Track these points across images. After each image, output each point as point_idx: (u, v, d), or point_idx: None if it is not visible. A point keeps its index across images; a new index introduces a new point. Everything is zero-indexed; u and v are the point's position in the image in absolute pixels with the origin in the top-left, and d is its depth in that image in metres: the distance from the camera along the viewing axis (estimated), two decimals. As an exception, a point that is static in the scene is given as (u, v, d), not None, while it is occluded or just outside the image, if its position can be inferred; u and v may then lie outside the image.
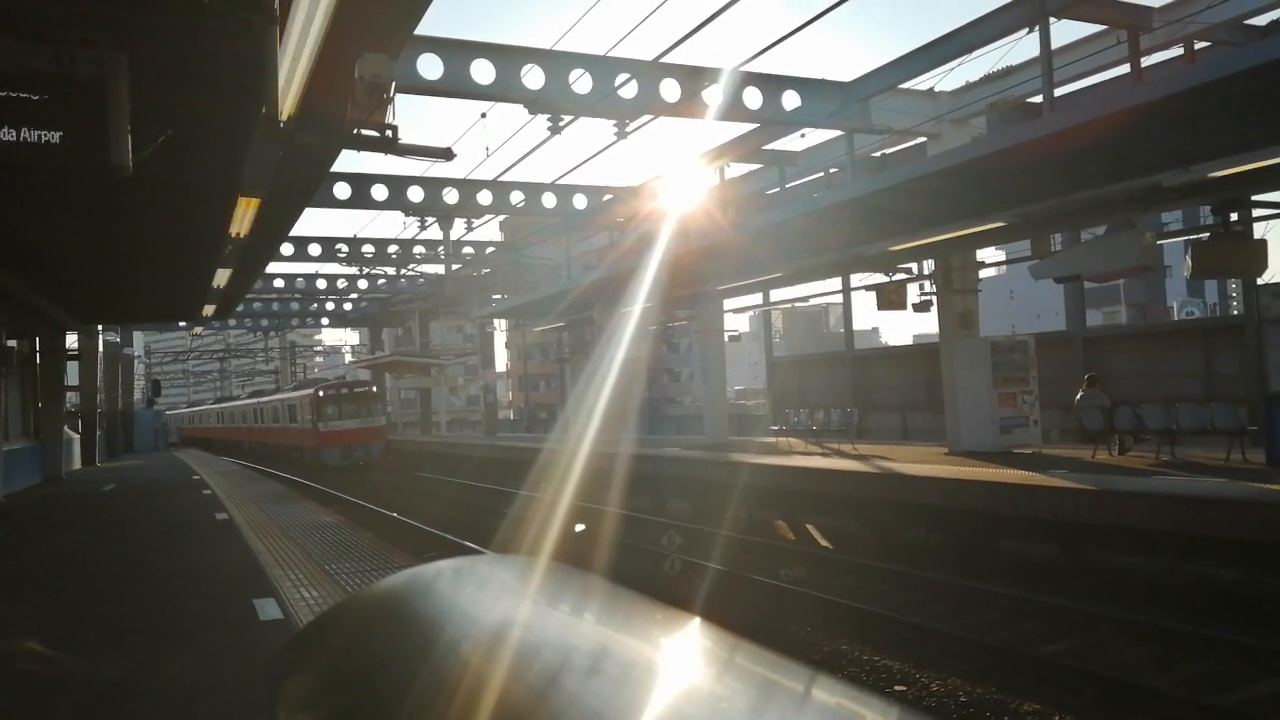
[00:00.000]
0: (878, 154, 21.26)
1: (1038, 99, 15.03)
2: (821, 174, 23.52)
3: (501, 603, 1.24)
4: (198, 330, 53.02)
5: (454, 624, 1.18)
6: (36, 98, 6.62)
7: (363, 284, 43.81)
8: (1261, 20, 15.00)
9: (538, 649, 1.13)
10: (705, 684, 1.07)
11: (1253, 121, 10.75)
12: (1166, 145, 11.78)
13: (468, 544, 16.40)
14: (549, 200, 27.55)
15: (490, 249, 41.18)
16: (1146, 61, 15.11)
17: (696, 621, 1.23)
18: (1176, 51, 15.74)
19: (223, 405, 67.45)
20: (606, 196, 28.10)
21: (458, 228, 31.82)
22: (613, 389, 21.75)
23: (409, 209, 27.16)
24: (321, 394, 40.19)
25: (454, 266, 38.79)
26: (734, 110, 16.36)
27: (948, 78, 55.47)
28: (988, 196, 14.34)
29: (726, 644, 1.15)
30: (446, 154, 8.53)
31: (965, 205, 14.88)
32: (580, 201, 27.93)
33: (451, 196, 26.22)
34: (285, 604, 9.38)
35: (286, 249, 33.12)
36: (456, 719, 1.02)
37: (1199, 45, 15.15)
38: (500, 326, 50.83)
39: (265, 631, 8.37)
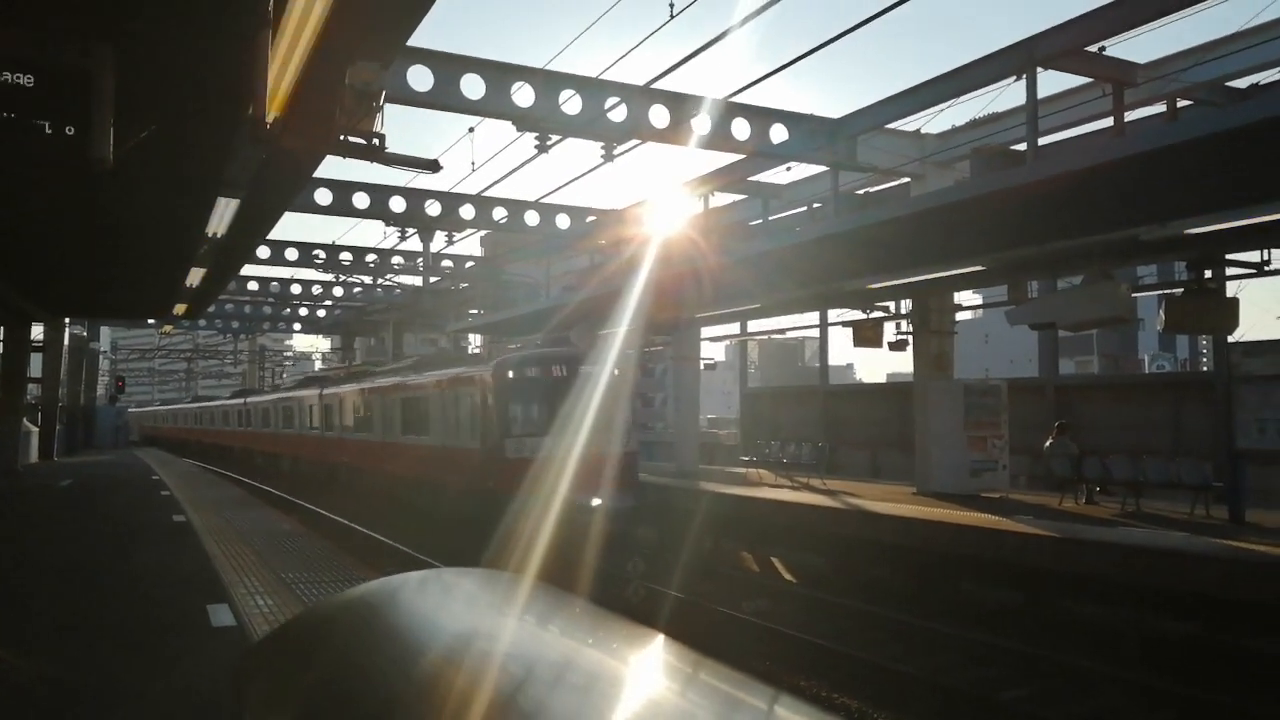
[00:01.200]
0: (861, 191, 21.49)
1: (1022, 146, 15.27)
2: (805, 208, 23.73)
3: (465, 615, 1.25)
4: (167, 328, 52.43)
5: (416, 635, 1.20)
6: (21, 84, 6.60)
7: (338, 291, 43.59)
8: (1242, 83, 15.35)
9: (500, 661, 1.15)
10: (666, 697, 1.09)
11: (1212, 185, 11.02)
12: (1141, 200, 12.02)
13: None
14: (532, 218, 27.60)
15: (470, 264, 41.17)
16: (1131, 116, 15.42)
17: (659, 637, 1.25)
18: (1161, 108, 16.08)
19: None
20: (590, 218, 28.20)
21: (438, 240, 31.80)
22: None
23: (390, 218, 27.07)
24: (513, 373, 19.27)
25: (432, 279, 38.70)
26: (721, 140, 16.52)
27: (934, 120, 56.21)
28: (967, 240, 14.53)
29: (688, 659, 1.17)
30: (433, 166, 8.57)
31: (944, 248, 15.07)
32: (563, 221, 28.00)
33: (434, 209, 26.20)
34: (239, 611, 9.29)
35: (263, 252, 32.91)
36: None
37: (1182, 103, 15.47)
38: (475, 341, 50.73)
39: (217, 638, 8.28)
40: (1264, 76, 15.17)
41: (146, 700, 6.54)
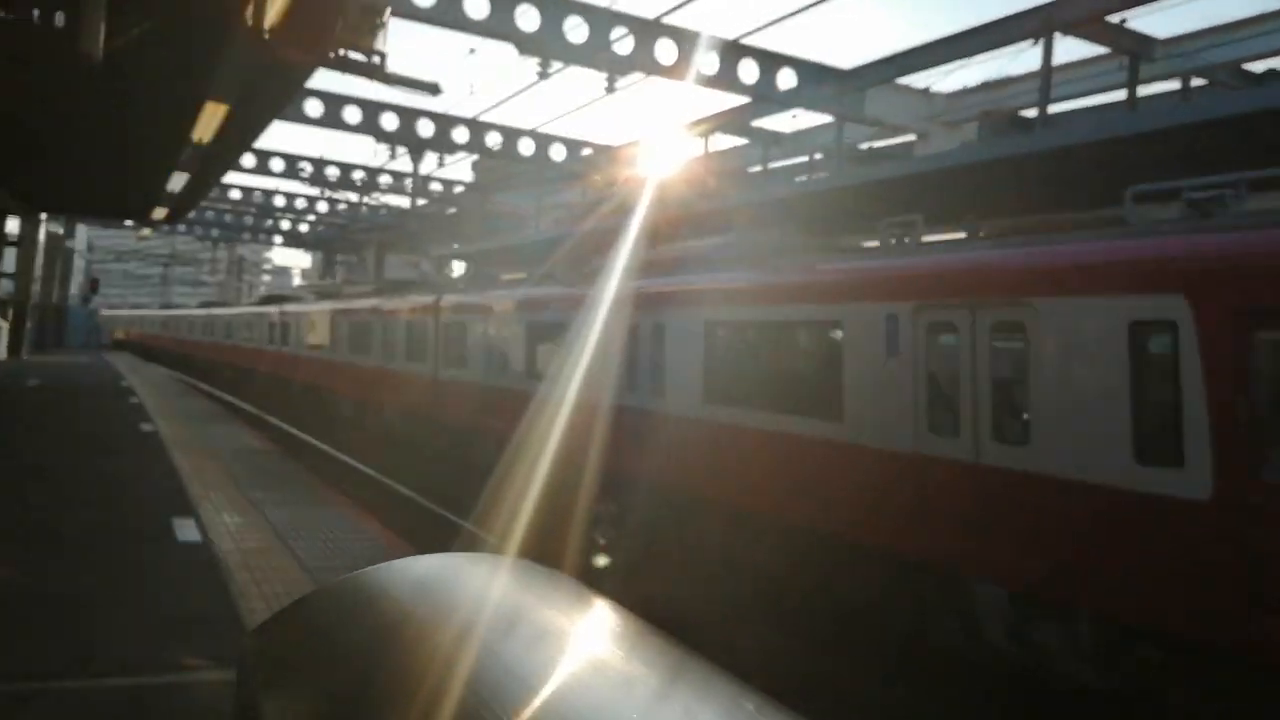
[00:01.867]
0: (865, 146, 21.32)
1: (1033, 112, 15.14)
2: (806, 158, 23.54)
3: (468, 600, 1.24)
4: (145, 232, 51.75)
5: (420, 619, 1.19)
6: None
7: (322, 207, 43.10)
8: (1258, 66, 15.25)
9: (502, 647, 1.14)
10: (658, 688, 1.09)
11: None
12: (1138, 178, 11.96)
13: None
14: (526, 147, 27.27)
15: (459, 188, 40.72)
16: (1144, 91, 15.30)
17: (653, 628, 1.24)
18: (1176, 84, 15.96)
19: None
20: (585, 151, 27.89)
21: (429, 162, 31.40)
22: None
23: (381, 135, 26.72)
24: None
25: (419, 202, 38.29)
26: (727, 81, 16.30)
27: (946, 80, 55.63)
28: (969, 203, 14.46)
29: (683, 653, 1.17)
30: (434, 89, 8.43)
31: (947, 210, 15.00)
32: (558, 152, 27.70)
33: (426, 129, 25.85)
34: (205, 526, 9.31)
35: (248, 160, 32.44)
36: (419, 713, 1.03)
37: (1197, 82, 15.36)
38: (459, 268, 50.37)
39: (182, 553, 8.31)
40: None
41: (107, 611, 6.57)
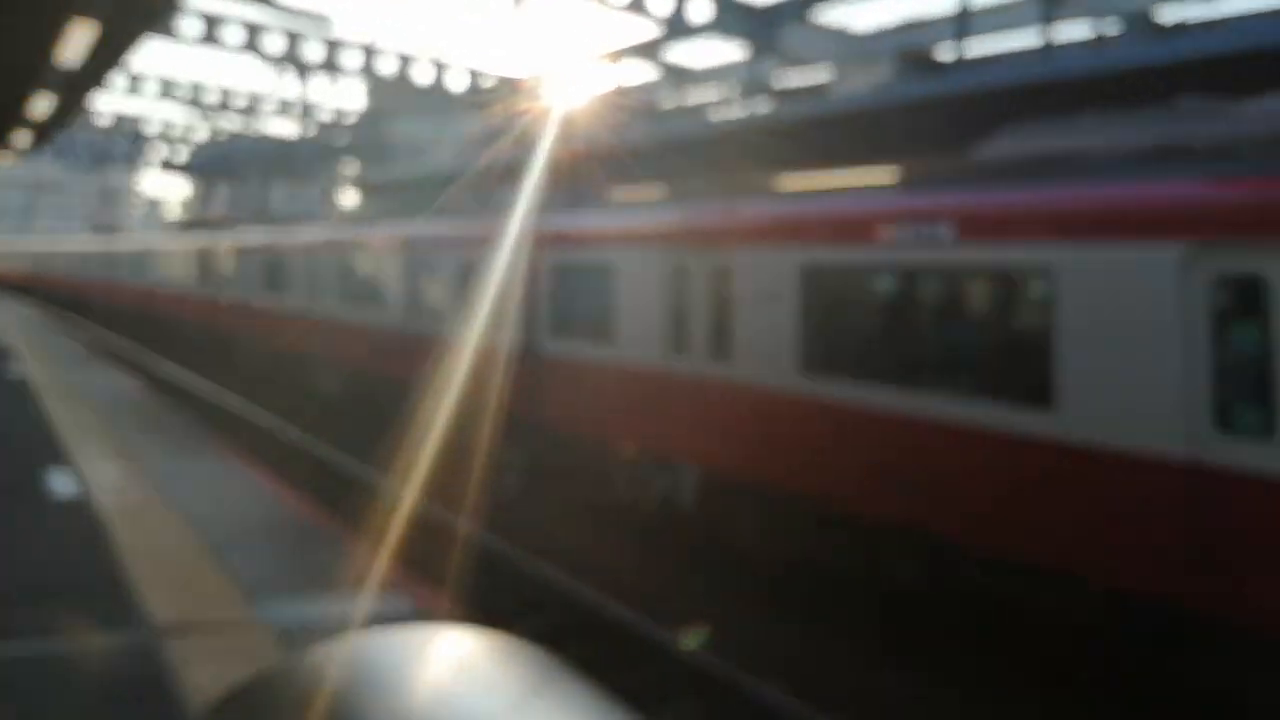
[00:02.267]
0: (779, 89, 21.11)
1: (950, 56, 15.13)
2: (718, 98, 23.24)
3: (435, 681, 1.04)
4: (6, 161, 48.49)
5: (384, 703, 0.98)
6: None
7: (202, 134, 41.04)
8: (1170, 17, 15.48)
9: None
10: None
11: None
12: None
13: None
14: (425, 74, 26.30)
15: (351, 117, 39.20)
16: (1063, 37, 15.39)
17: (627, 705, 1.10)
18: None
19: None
20: (488, 82, 27.05)
21: (321, 86, 30.04)
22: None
23: (267, 59, 25.40)
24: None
25: (310, 132, 36.72)
26: (639, 6, 15.84)
27: (861, 18, 55.73)
28: (877, 147, 14.40)
29: None
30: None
31: (856, 152, 14.93)
32: (459, 80, 26.80)
33: (316, 53, 24.66)
34: (83, 479, 8.71)
35: (120, 82, 30.57)
36: None
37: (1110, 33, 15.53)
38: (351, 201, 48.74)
39: (59, 510, 7.74)
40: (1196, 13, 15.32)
41: (-26, 578, 6.04)
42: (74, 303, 45.45)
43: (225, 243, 25.41)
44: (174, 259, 29.43)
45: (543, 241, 12.11)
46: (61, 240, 53.89)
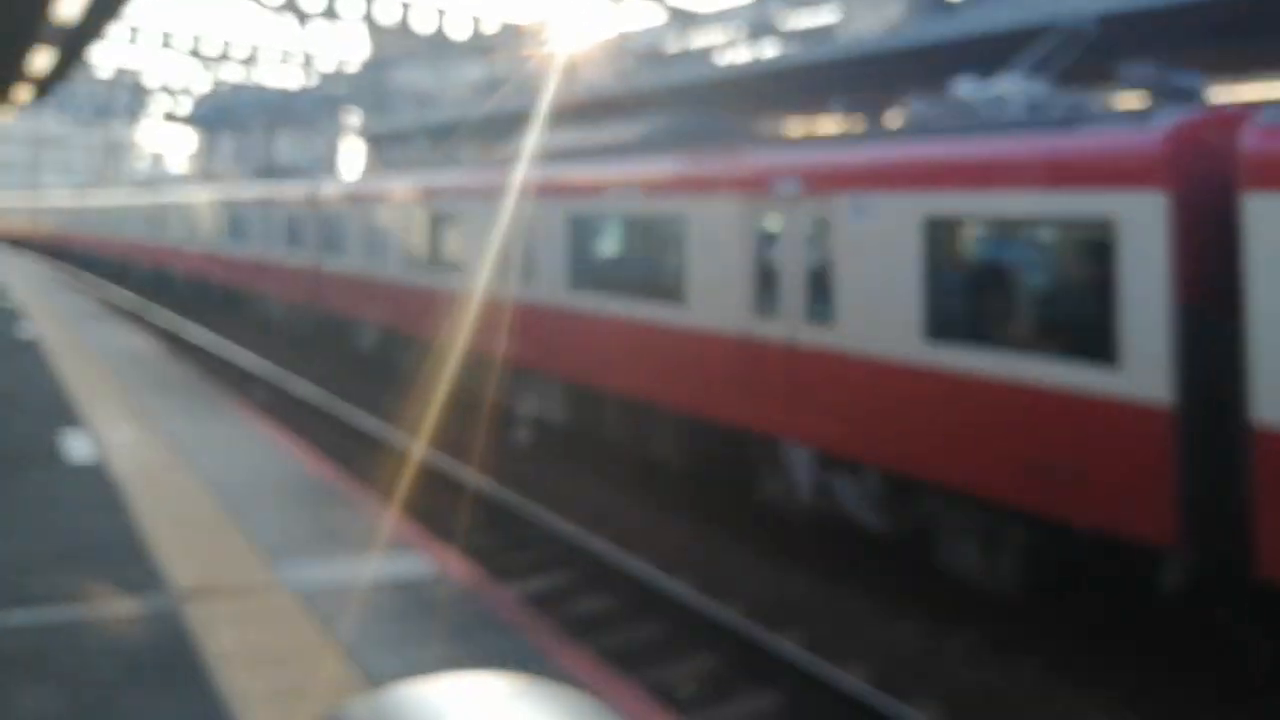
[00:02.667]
0: (787, 30, 20.83)
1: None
2: (723, 38, 22.93)
3: None
4: (7, 118, 48.14)
5: None
6: None
7: (202, 84, 40.76)
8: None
9: None
10: None
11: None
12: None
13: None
14: (426, 21, 26.01)
15: (352, 66, 38.84)
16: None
17: None
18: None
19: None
20: (491, 28, 26.74)
21: (321, 36, 29.75)
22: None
23: (266, 6, 25.18)
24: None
25: (312, 82, 36.45)
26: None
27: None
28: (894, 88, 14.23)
29: None
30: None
31: (868, 94, 14.73)
32: (461, 28, 26.50)
33: (317, 4, 24.40)
34: (100, 442, 8.83)
35: (121, 34, 30.30)
36: None
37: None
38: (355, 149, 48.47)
39: (76, 474, 7.86)
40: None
41: (3, 540, 6.17)
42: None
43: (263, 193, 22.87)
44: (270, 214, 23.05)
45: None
46: (95, 193, 46.06)
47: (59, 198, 53.00)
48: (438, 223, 14.80)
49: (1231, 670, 6.45)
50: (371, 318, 17.11)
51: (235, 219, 24.62)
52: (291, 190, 20.87)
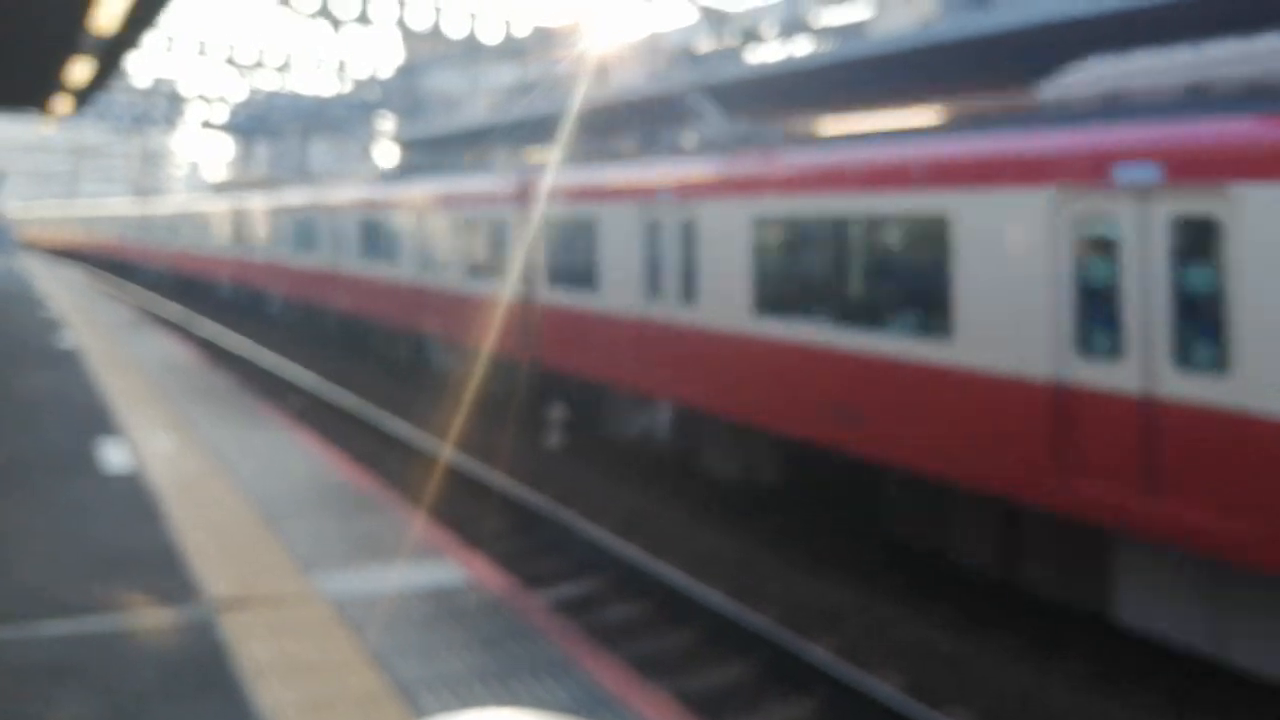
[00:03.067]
0: (820, 27, 20.72)
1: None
2: (752, 39, 22.85)
3: None
4: (48, 129, 49.01)
5: None
6: None
7: (238, 92, 41.24)
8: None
9: None
10: None
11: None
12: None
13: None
14: (458, 26, 26.15)
15: (386, 71, 39.15)
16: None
17: None
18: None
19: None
20: (522, 31, 26.84)
21: (354, 43, 30.01)
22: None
23: (301, 12, 25.44)
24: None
25: (344, 86, 36.77)
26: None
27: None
28: (936, 90, 14.12)
29: None
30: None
31: (906, 94, 14.64)
32: (492, 32, 26.61)
33: (350, 10, 24.61)
34: (136, 450, 8.94)
35: (157, 44, 30.75)
36: None
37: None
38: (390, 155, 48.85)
39: (113, 483, 7.97)
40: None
41: (41, 549, 6.25)
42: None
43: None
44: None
45: None
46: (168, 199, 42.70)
47: (118, 204, 50.63)
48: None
49: None
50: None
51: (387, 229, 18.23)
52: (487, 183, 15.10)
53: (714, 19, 22.20)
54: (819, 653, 6.86)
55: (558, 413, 13.64)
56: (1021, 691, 6.80)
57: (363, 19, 25.62)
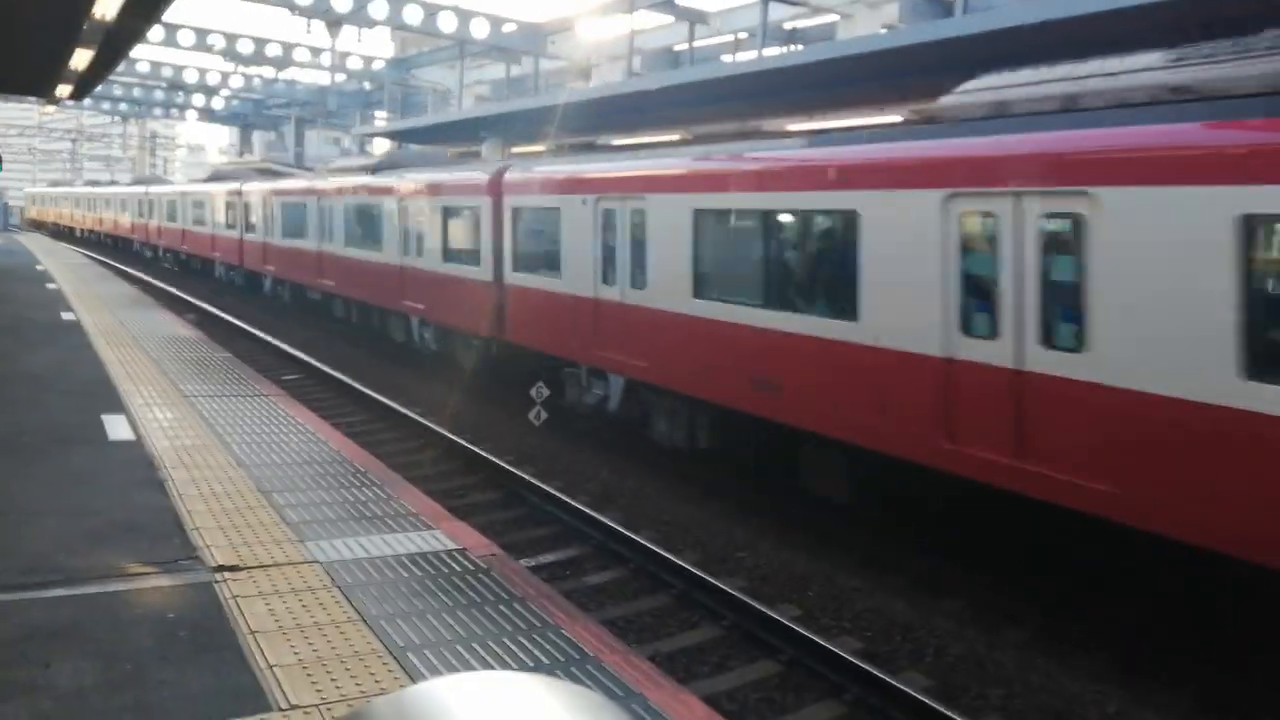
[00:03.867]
0: (789, 26, 20.70)
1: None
2: (731, 37, 22.81)
3: None
4: (48, 109, 48.25)
5: None
6: None
7: (236, 82, 40.71)
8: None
9: None
10: None
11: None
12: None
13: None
14: (448, 22, 25.93)
15: (378, 62, 38.76)
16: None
17: None
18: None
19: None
20: (508, 26, 26.63)
21: (348, 36, 29.71)
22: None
23: (295, 9, 25.13)
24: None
25: (338, 78, 36.35)
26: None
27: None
28: (885, 90, 14.13)
29: None
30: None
31: (863, 96, 14.66)
32: (481, 28, 26.40)
33: (344, 3, 24.33)
34: (136, 423, 8.88)
35: (155, 34, 30.30)
36: None
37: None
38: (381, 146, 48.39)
39: (116, 451, 7.92)
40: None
41: (43, 518, 6.22)
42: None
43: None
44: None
45: None
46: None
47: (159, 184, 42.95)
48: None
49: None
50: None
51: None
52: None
53: (694, 18, 22.13)
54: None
55: (542, 391, 13.68)
56: (975, 655, 6.91)
57: (358, 16, 25.35)
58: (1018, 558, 7.78)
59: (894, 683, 6.08)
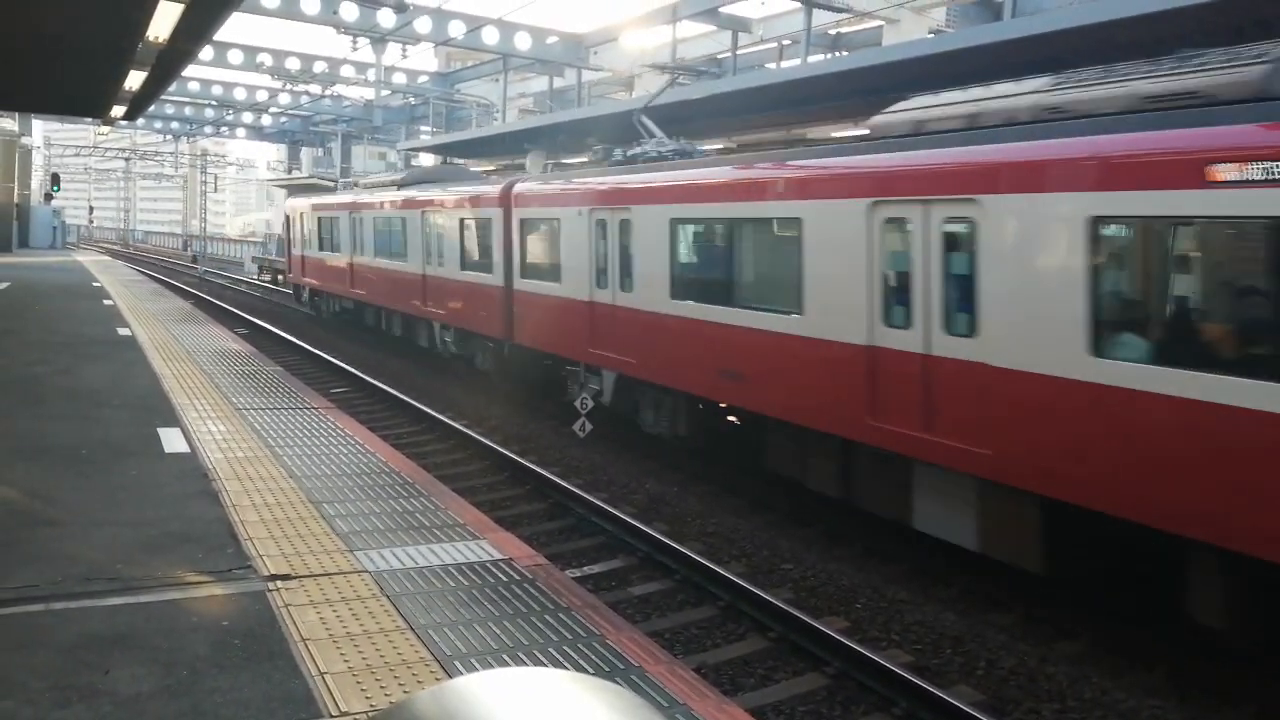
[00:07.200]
0: (834, 32, 20.66)
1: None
2: (775, 44, 22.81)
3: None
4: (103, 130, 49.62)
5: None
6: None
7: (283, 99, 41.56)
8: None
9: None
10: None
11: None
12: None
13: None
14: (490, 36, 26.26)
15: (423, 78, 39.33)
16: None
17: None
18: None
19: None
20: (551, 39, 26.90)
21: (392, 53, 30.19)
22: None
23: (342, 27, 25.61)
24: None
25: (383, 93, 36.96)
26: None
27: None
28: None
29: None
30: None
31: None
32: (523, 41, 26.69)
33: (388, 19, 24.75)
34: (190, 436, 9.10)
35: (205, 54, 31.06)
36: None
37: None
38: (427, 160, 49.05)
39: (170, 464, 8.12)
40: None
41: (100, 529, 6.41)
42: None
43: None
44: None
45: None
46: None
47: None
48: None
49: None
50: None
51: None
52: None
53: (737, 26, 22.17)
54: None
55: (586, 403, 13.79)
56: (1027, 668, 6.85)
57: (402, 33, 25.77)
58: (1072, 573, 7.72)
59: (945, 696, 6.04)
